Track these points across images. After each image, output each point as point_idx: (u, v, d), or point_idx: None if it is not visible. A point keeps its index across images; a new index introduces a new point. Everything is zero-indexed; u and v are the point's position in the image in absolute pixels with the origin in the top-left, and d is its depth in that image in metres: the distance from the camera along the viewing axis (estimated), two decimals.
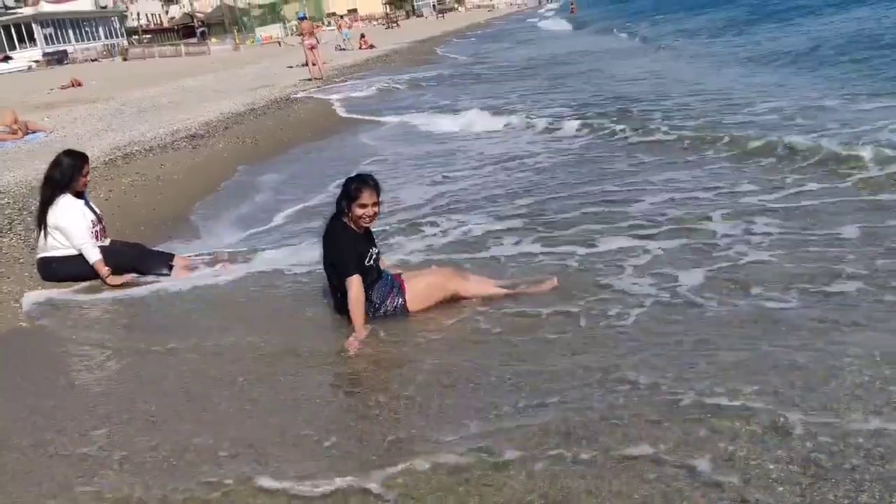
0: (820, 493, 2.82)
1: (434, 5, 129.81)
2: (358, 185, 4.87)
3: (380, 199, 4.95)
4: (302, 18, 29.02)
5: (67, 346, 5.15)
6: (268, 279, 5.96)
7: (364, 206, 4.85)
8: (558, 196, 7.61)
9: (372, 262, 4.99)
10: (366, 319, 4.81)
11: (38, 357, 4.99)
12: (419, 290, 5.07)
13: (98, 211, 6.56)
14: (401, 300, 5.04)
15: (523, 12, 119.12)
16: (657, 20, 40.84)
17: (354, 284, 4.78)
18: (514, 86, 18.74)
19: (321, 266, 5.09)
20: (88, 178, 6.41)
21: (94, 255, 6.17)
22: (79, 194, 6.35)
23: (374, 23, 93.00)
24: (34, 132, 15.00)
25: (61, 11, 74.14)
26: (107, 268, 6.17)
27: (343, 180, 5.06)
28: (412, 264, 5.85)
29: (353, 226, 4.93)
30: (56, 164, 6.28)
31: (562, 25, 54.05)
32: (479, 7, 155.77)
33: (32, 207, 7.53)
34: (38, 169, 9.15)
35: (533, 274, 5.44)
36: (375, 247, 5.10)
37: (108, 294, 6.03)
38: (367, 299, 4.92)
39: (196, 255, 6.60)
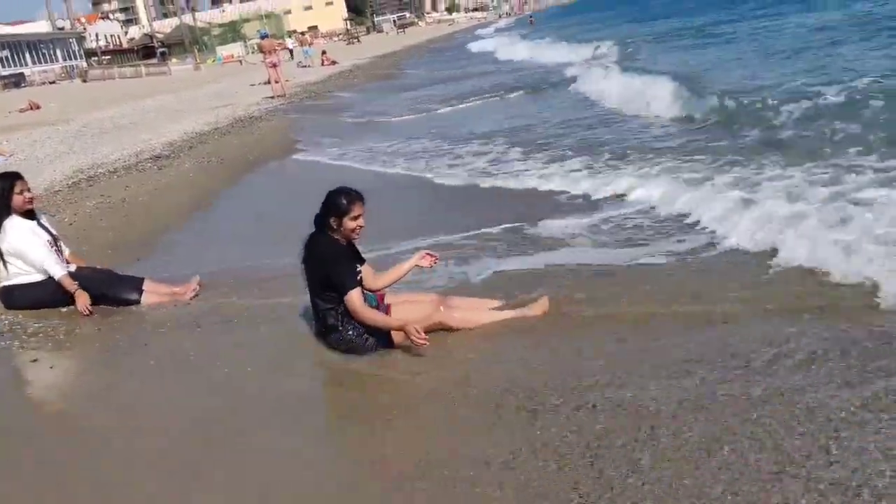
0: None
1: (394, 21, 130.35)
2: (349, 199, 4.76)
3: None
4: (264, 36, 28.90)
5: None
6: (244, 304, 5.84)
7: (356, 217, 4.76)
8: None
9: (359, 280, 4.87)
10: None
11: None
12: (403, 317, 4.81)
13: (54, 232, 6.31)
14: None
15: (484, 26, 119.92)
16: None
17: (357, 299, 4.65)
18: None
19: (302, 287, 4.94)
20: (28, 195, 6.08)
21: (58, 271, 5.94)
22: (28, 215, 6.14)
23: (335, 39, 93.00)
24: None
25: (17, 34, 73.28)
26: (75, 283, 5.94)
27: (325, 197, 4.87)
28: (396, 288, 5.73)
29: (340, 241, 4.83)
30: None
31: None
32: (439, 22, 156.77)
33: None
34: None
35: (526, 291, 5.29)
36: (360, 264, 4.99)
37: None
38: (351, 324, 4.74)
39: (164, 284, 6.40)
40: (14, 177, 6.11)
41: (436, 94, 22.28)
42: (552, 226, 6.88)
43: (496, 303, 5.20)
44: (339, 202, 4.76)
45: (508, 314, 5.01)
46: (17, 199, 6.01)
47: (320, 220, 4.84)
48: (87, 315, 5.87)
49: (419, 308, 4.99)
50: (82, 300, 5.89)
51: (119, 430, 4.00)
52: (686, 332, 4.30)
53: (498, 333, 4.72)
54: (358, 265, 4.89)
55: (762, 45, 19.95)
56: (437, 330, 4.77)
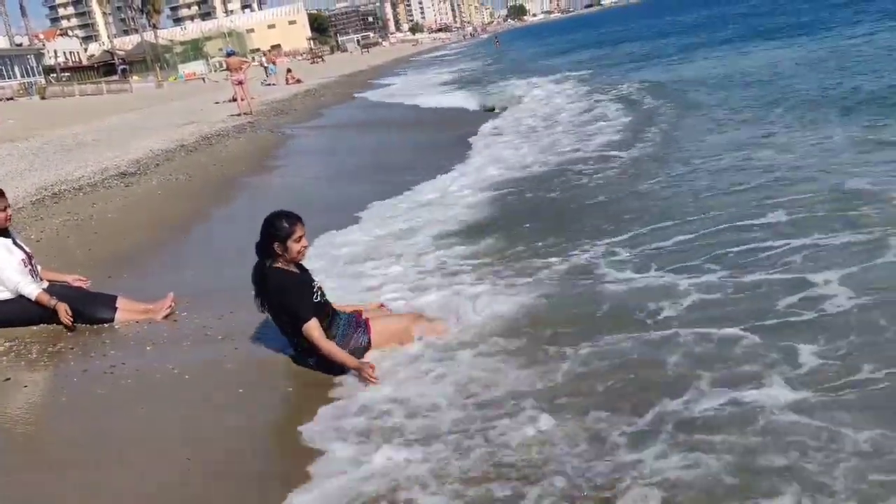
0: None
1: (358, 41, 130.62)
2: (289, 221, 4.73)
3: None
4: (230, 54, 28.69)
5: None
6: (217, 321, 5.75)
7: (299, 238, 4.72)
8: None
9: (320, 297, 4.84)
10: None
11: None
12: (382, 328, 4.94)
13: (28, 250, 6.19)
14: (365, 339, 4.89)
15: (445, 46, 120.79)
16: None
17: (314, 328, 4.61)
18: None
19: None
20: (8, 213, 5.95)
21: (33, 290, 5.81)
22: (4, 233, 5.99)
23: (299, 58, 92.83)
24: None
25: None
26: (53, 298, 5.81)
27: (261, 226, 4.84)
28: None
29: (287, 267, 4.77)
30: None
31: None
32: (403, 42, 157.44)
33: None
34: None
35: None
36: (315, 280, 4.95)
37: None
38: (329, 337, 4.76)
39: (137, 301, 6.29)
40: None
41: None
42: None
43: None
44: (279, 226, 4.71)
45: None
46: None
47: (263, 249, 4.76)
48: (70, 326, 5.77)
49: (397, 322, 5.06)
50: (62, 310, 5.76)
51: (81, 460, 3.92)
52: None
53: None
54: (314, 282, 4.87)
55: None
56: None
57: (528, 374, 4.38)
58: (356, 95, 32.33)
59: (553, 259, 6.42)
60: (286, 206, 4.92)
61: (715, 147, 10.53)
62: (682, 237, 6.59)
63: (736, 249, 6.03)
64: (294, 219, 4.75)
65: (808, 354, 4.18)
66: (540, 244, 6.95)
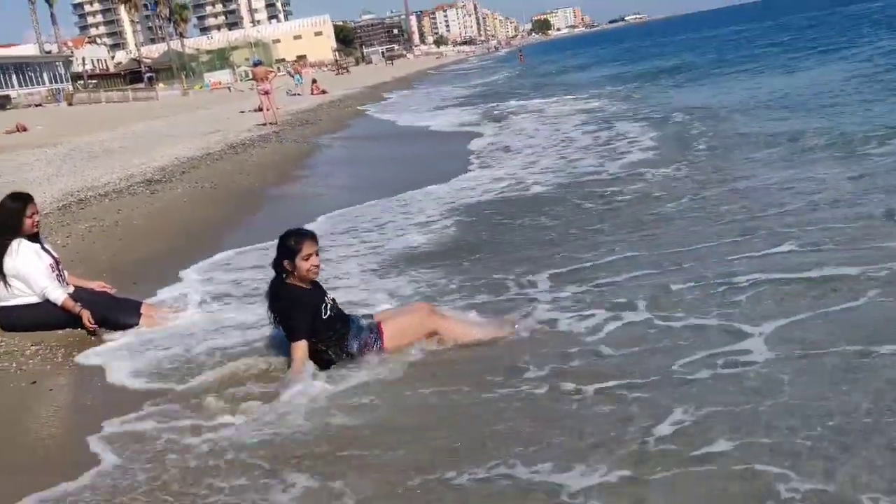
0: None
1: (383, 52, 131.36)
2: (297, 239, 4.76)
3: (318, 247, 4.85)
4: (257, 64, 28.84)
5: None
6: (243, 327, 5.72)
7: (308, 256, 4.72)
8: None
9: (330, 311, 4.83)
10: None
11: None
12: (396, 330, 4.93)
13: (56, 255, 6.24)
14: (379, 342, 4.88)
15: (467, 59, 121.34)
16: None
17: (300, 349, 4.64)
18: None
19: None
20: (36, 219, 6.01)
21: (60, 296, 5.84)
22: (33, 238, 6.04)
23: (324, 69, 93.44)
24: None
25: (3, 56, 73.15)
26: (78, 304, 5.84)
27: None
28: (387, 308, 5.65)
29: (300, 284, 4.79)
30: (0, 209, 5.99)
31: None
32: (427, 54, 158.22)
33: None
34: None
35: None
36: (328, 295, 4.95)
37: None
38: (346, 353, 4.78)
39: (162, 308, 6.31)
40: (26, 199, 6.02)
41: None
42: None
43: (480, 319, 5.22)
44: (287, 244, 4.77)
45: (496, 333, 5.03)
46: (26, 223, 5.92)
47: (276, 266, 4.83)
48: (93, 331, 5.80)
49: (410, 320, 5.03)
50: (85, 317, 5.80)
51: None
52: None
53: None
54: (326, 298, 4.88)
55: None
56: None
57: None
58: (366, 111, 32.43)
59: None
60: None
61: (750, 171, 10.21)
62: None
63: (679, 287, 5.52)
64: (303, 237, 4.77)
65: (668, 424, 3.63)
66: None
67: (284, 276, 4.77)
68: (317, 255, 4.77)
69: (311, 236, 4.81)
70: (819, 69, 22.32)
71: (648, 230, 7.37)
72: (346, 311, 5.04)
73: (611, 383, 4.14)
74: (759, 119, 14.64)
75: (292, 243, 4.72)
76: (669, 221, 7.64)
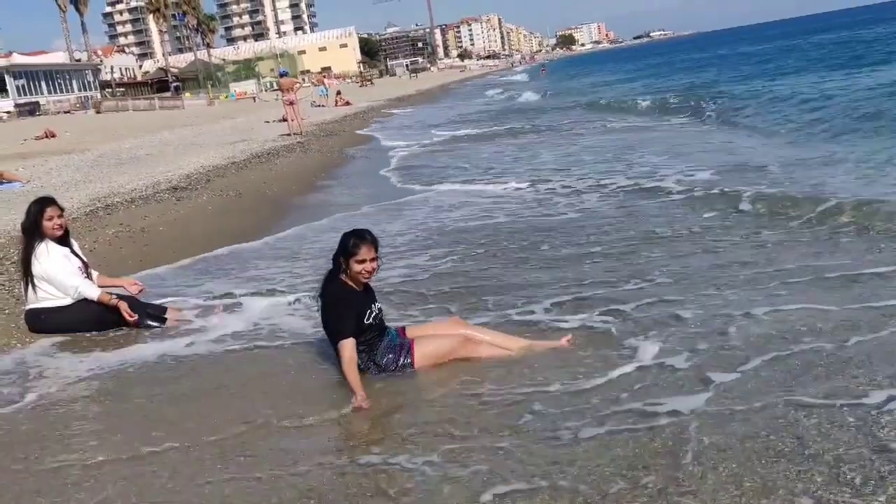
0: None
1: (407, 66, 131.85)
2: (356, 241, 4.75)
3: (378, 253, 4.82)
4: (283, 74, 29.09)
5: None
6: (261, 333, 5.78)
7: (362, 261, 4.72)
8: None
9: (373, 319, 4.83)
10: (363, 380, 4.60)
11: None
12: (428, 352, 4.89)
13: (84, 258, 6.35)
14: (409, 360, 4.86)
15: (493, 73, 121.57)
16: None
17: (347, 348, 4.63)
18: None
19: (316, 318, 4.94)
20: (57, 222, 6.06)
21: (94, 292, 5.98)
22: (62, 241, 6.12)
23: (349, 81, 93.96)
24: (10, 182, 14.77)
25: (34, 63, 74.19)
26: (114, 297, 5.96)
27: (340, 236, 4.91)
28: (418, 319, 5.67)
29: (351, 283, 4.80)
30: (25, 212, 6.12)
31: None
32: (451, 67, 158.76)
33: (14, 257, 7.28)
34: (14, 219, 8.97)
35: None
36: (376, 303, 4.95)
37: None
38: (374, 362, 4.79)
39: (186, 313, 6.37)
40: (44, 202, 6.11)
41: None
42: None
43: (522, 341, 5.13)
44: (346, 243, 4.79)
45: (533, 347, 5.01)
46: (45, 225, 5.99)
47: (334, 259, 4.86)
48: (133, 320, 5.95)
49: (445, 345, 4.98)
50: (123, 307, 5.95)
51: None
52: None
53: None
54: (373, 305, 4.88)
55: None
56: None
57: None
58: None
59: None
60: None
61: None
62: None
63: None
64: (363, 240, 4.76)
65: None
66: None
67: (338, 271, 4.80)
68: (373, 260, 4.76)
69: (371, 241, 4.79)
70: None
71: None
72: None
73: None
74: None
75: (350, 244, 4.74)
76: None
